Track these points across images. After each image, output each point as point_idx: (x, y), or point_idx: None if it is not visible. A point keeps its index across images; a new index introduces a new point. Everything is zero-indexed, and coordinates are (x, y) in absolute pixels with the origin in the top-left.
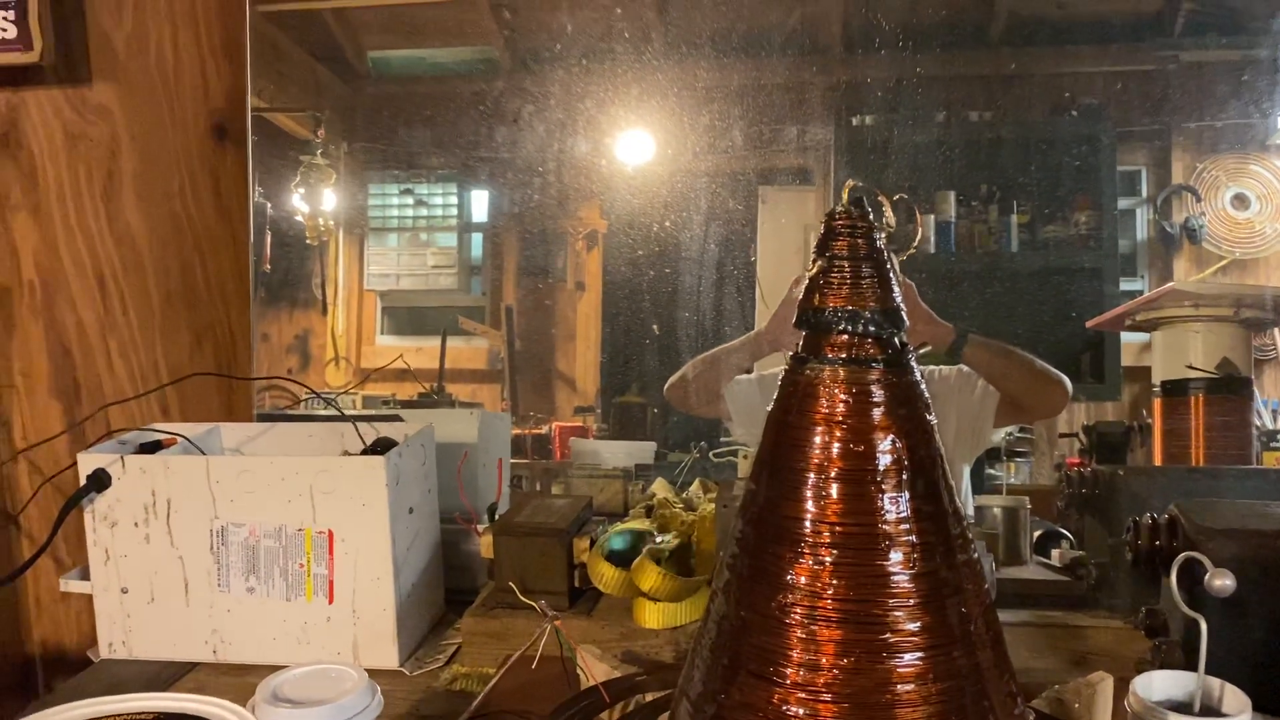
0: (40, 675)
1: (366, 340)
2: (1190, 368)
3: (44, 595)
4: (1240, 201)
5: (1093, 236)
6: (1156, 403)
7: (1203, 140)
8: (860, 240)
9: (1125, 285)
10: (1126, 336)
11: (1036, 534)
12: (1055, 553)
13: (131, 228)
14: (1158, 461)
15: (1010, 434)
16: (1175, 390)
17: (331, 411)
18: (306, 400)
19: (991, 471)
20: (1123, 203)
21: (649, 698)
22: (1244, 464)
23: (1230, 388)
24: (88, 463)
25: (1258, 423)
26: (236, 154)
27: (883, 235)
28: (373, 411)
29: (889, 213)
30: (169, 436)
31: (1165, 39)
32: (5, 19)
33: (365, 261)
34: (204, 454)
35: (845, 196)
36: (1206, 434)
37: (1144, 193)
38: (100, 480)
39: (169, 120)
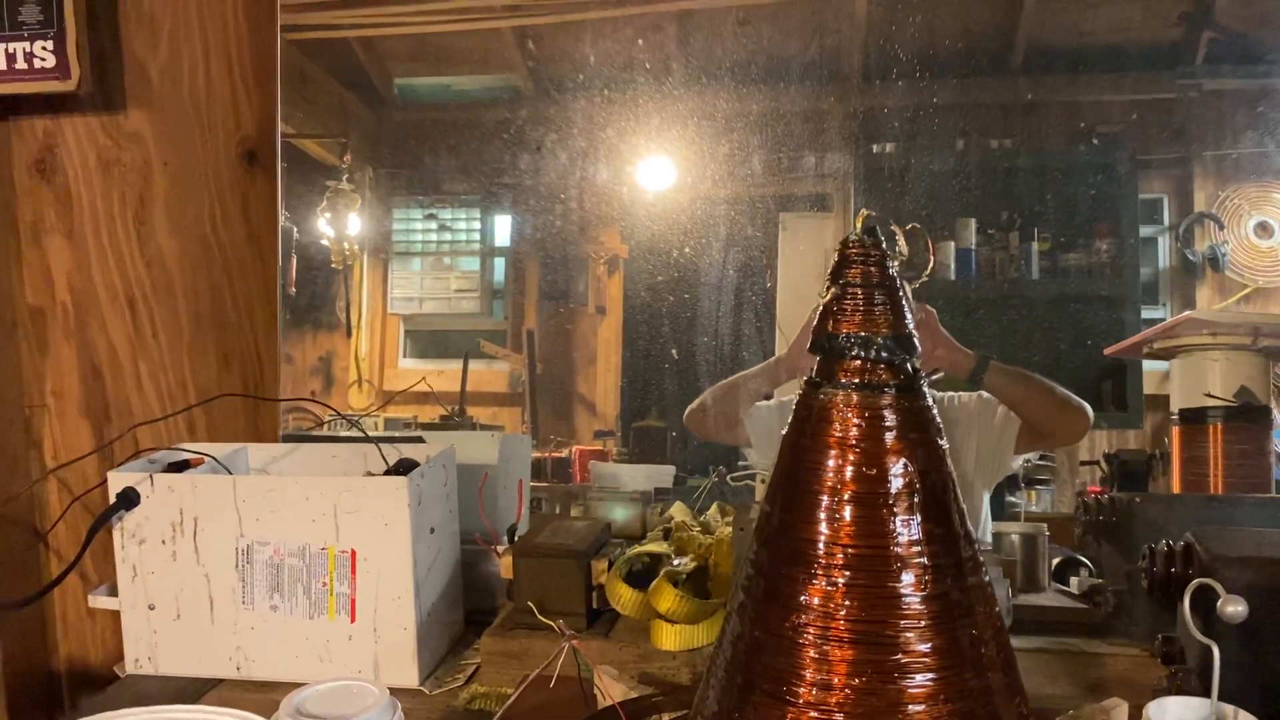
0: (65, 692)
1: (389, 363)
2: (1208, 396)
3: (70, 612)
4: (1263, 230)
5: (1114, 264)
6: (1175, 431)
7: (1225, 168)
8: (873, 268)
9: (1147, 313)
10: (1148, 364)
11: (1055, 561)
12: (1074, 580)
13: (162, 251)
14: (1176, 489)
15: (1029, 461)
16: (1193, 418)
17: (356, 433)
18: (329, 422)
19: (1012, 499)
20: (1145, 230)
21: (666, 718)
22: (1262, 492)
23: (1249, 416)
24: (117, 481)
25: (1278, 450)
26: (266, 180)
27: (895, 263)
28: (395, 433)
29: (901, 241)
30: (197, 456)
31: (1187, 67)
32: (44, 49)
33: (389, 285)
34: (231, 474)
35: (858, 225)
36: (1225, 462)
37: (1166, 220)
38: (129, 498)
39: (200, 146)
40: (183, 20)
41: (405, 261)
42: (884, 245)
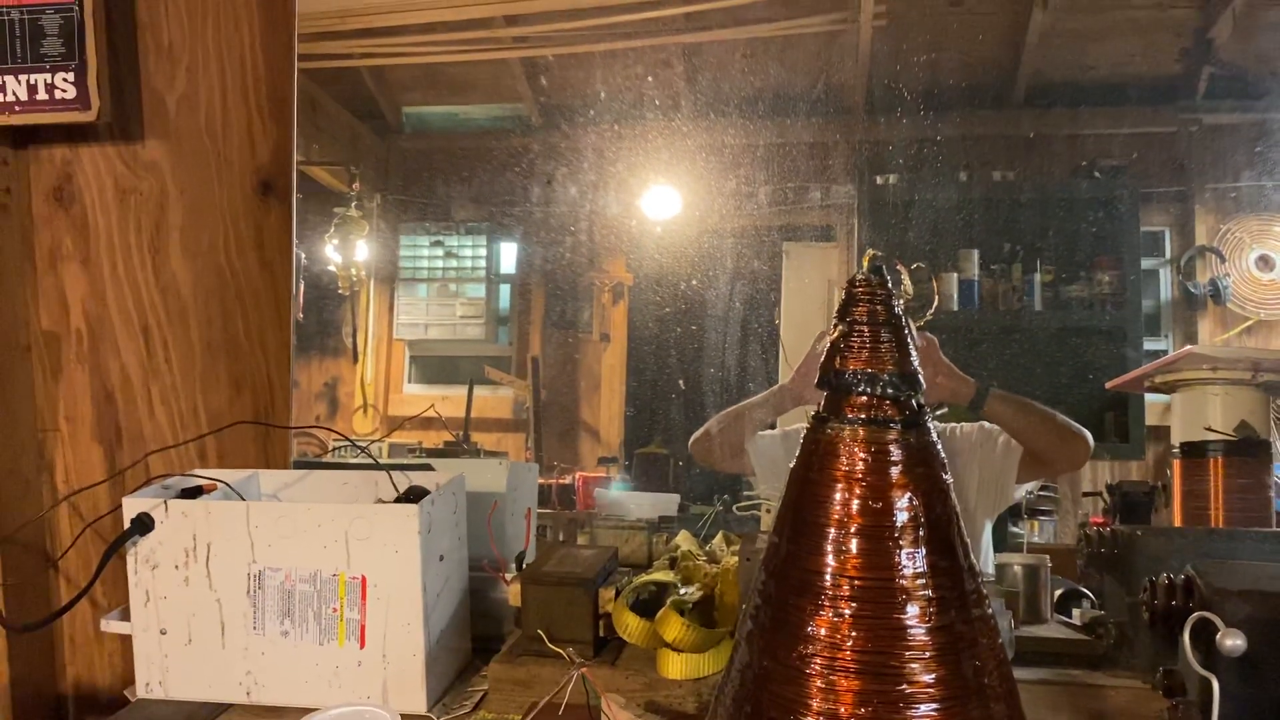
0: (71, 715)
1: (394, 388)
2: (1209, 430)
3: (78, 635)
4: (1264, 263)
5: (1116, 296)
6: (1176, 464)
7: (1225, 202)
8: (879, 307)
9: (1150, 345)
10: (1151, 396)
11: (1058, 593)
12: (1076, 612)
13: (177, 279)
14: (1177, 522)
15: (1031, 492)
16: (1194, 452)
17: (365, 459)
18: (338, 449)
19: (1015, 530)
20: (1146, 263)
21: None
22: (1263, 526)
23: (1249, 450)
24: (132, 507)
25: (1279, 483)
26: (280, 209)
27: (900, 302)
28: (399, 459)
29: (906, 281)
30: (209, 482)
31: (1187, 102)
32: (65, 80)
33: (395, 311)
34: (243, 500)
35: (865, 265)
36: (1225, 496)
37: (1168, 253)
38: (144, 524)
39: (216, 176)
40: (201, 53)
41: (411, 288)
42: (890, 284)
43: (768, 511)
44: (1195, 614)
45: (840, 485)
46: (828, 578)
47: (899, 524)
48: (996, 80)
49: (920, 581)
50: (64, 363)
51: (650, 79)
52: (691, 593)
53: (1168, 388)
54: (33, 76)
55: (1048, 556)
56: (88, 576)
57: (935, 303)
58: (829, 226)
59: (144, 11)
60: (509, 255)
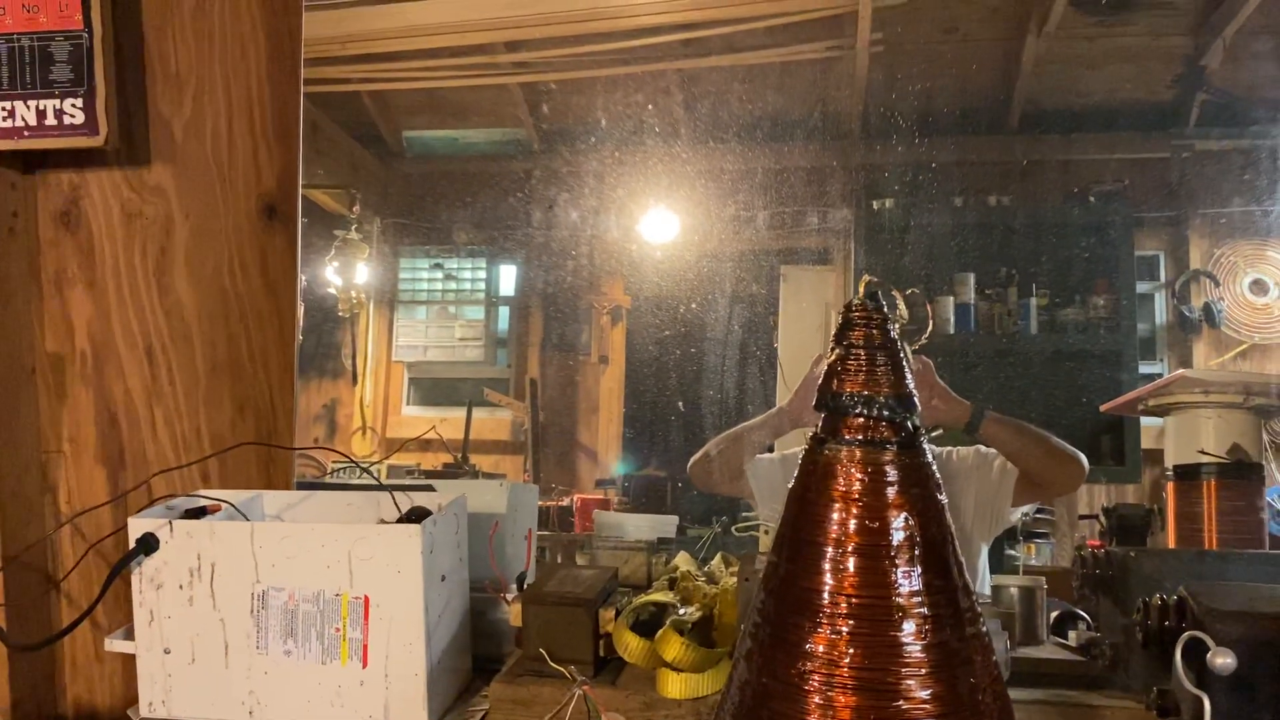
0: None
1: (393, 410)
2: (1202, 453)
3: (79, 656)
4: (1259, 287)
5: (1111, 320)
6: (1170, 486)
7: (1219, 226)
8: (875, 331)
9: (1145, 368)
10: (1146, 420)
11: (1054, 615)
12: (1072, 633)
13: (181, 301)
14: (1171, 544)
15: (1027, 515)
16: (1187, 475)
17: (368, 480)
18: (341, 469)
19: (1011, 552)
20: (1141, 287)
21: None
22: (1255, 548)
23: (1241, 473)
24: (138, 527)
25: (1274, 506)
26: (285, 233)
27: (896, 326)
28: (398, 481)
29: (902, 305)
30: (214, 503)
31: (1180, 129)
32: (74, 106)
33: (394, 333)
34: (248, 520)
35: (861, 290)
36: (1219, 518)
37: (1162, 277)
38: (149, 544)
39: (221, 200)
40: (208, 79)
41: (410, 310)
42: (885, 309)
43: (766, 533)
44: (1187, 634)
45: (838, 505)
46: (825, 596)
47: (895, 543)
48: (991, 107)
49: (916, 599)
50: (68, 385)
51: (650, 106)
52: (691, 613)
53: (1161, 411)
54: (42, 102)
55: (1044, 579)
56: (89, 597)
57: (930, 327)
58: (826, 250)
59: (152, 38)
60: (508, 278)
